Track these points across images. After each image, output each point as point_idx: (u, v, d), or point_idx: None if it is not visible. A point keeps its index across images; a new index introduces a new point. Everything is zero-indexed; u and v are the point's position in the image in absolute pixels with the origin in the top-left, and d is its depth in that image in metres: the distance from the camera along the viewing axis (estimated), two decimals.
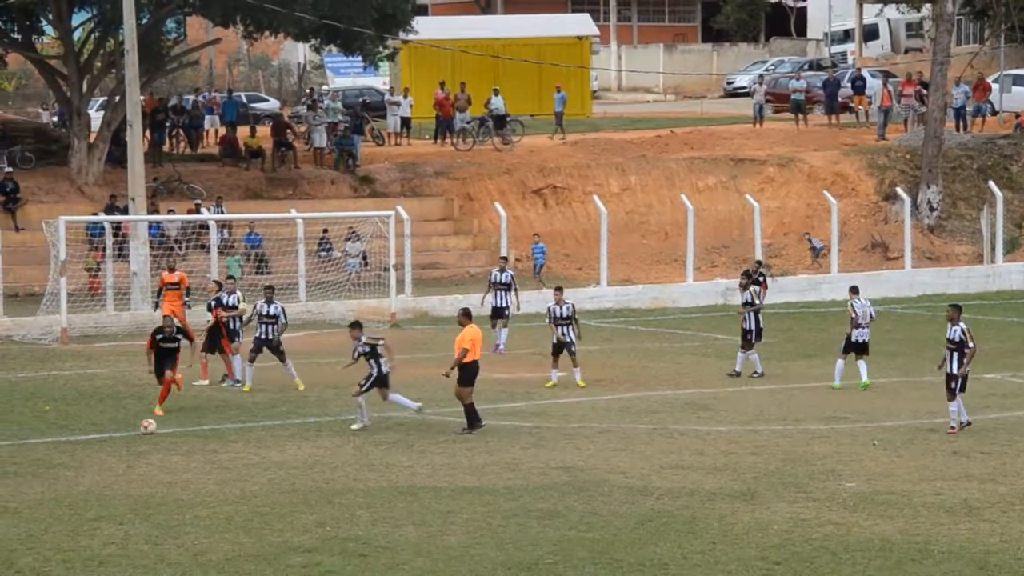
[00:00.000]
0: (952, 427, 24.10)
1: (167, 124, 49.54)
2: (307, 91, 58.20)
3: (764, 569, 16.75)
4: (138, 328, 35.66)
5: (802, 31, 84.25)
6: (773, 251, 44.81)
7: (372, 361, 24.48)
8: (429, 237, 45.42)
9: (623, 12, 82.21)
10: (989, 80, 55.32)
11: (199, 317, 31.37)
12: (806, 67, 66.95)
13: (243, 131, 50.40)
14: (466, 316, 24.39)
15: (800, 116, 54.84)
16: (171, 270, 34.95)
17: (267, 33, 49.21)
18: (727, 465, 21.91)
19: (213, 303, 29.62)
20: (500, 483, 20.75)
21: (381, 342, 24.72)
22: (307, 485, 20.62)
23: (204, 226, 40.63)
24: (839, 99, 55.89)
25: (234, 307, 29.19)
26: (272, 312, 28.61)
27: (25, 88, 60.99)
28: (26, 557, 17.12)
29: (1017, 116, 54.31)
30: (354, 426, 24.39)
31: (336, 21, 44.82)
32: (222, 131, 50.84)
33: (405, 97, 54.41)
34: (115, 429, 24.41)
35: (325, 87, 62.37)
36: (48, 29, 49.49)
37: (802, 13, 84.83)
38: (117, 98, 44.89)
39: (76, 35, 47.13)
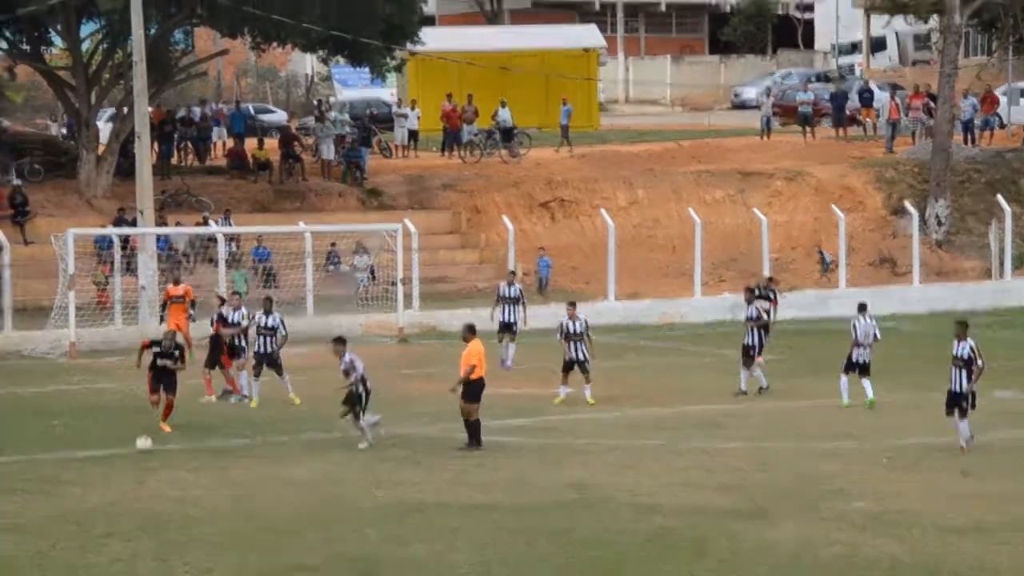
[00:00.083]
0: (962, 445, 24.04)
1: (175, 136, 49.59)
2: (315, 103, 58.26)
3: None
4: None
5: (809, 43, 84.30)
6: (781, 265, 44.75)
7: (361, 382, 24.29)
8: (437, 250, 45.40)
9: (630, 24, 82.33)
10: (997, 93, 55.28)
11: (204, 331, 31.29)
12: (813, 79, 66.94)
13: (251, 143, 50.44)
14: (470, 332, 24.33)
15: (808, 129, 54.81)
16: (176, 283, 34.98)
17: (275, 44, 49.28)
18: (736, 483, 21.86)
19: (215, 317, 29.59)
20: (508, 500, 20.72)
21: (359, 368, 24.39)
22: (315, 502, 20.59)
23: (212, 239, 40.66)
24: (847, 112, 55.84)
25: (237, 324, 29.07)
26: (271, 324, 28.49)
27: (34, 100, 61.04)
28: (34, 574, 17.11)
29: None
30: (361, 445, 24.29)
31: (343, 33, 44.89)
32: (230, 143, 50.88)
33: (412, 109, 54.45)
34: (124, 445, 24.35)
35: (333, 99, 62.42)
36: (57, 40, 49.54)
37: (809, 25, 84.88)
38: (125, 110, 44.96)
39: (84, 46, 47.18)
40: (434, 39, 53.18)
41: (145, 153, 40.37)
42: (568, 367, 28.81)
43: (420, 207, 47.66)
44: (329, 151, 49.78)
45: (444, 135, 53.48)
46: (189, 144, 50.34)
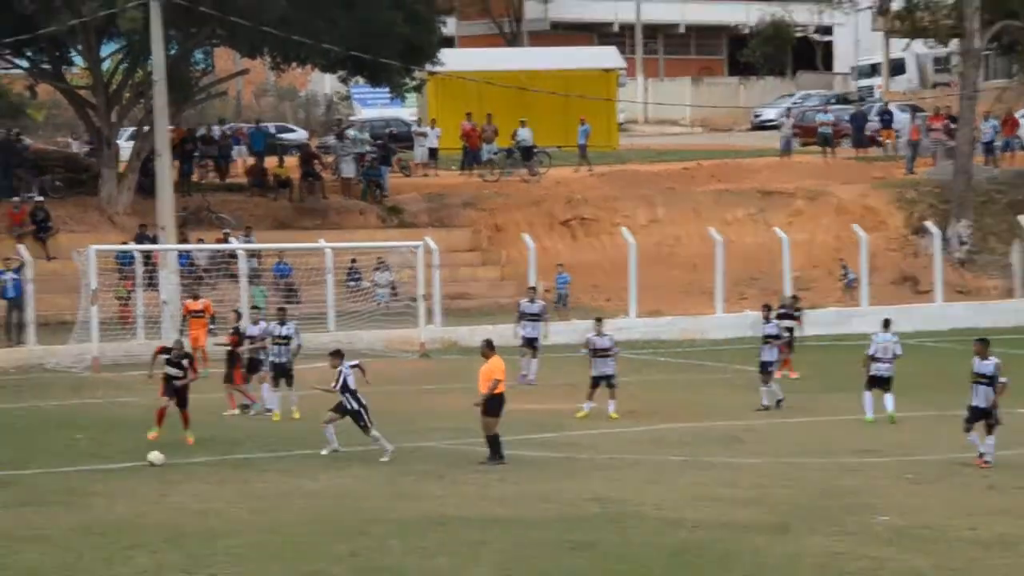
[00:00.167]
0: (987, 460, 23.96)
1: (196, 154, 49.73)
2: (335, 122, 58.41)
3: None
4: None
5: (829, 65, 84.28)
6: (802, 284, 44.71)
7: (347, 395, 24.28)
8: (457, 267, 45.49)
9: (649, 45, 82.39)
10: (1017, 115, 55.24)
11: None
12: (833, 101, 66.91)
13: (271, 161, 50.58)
14: (490, 348, 24.34)
15: (828, 149, 54.81)
16: (195, 298, 35.17)
17: (294, 64, 49.42)
18: (760, 498, 21.81)
19: (231, 331, 29.70)
20: (531, 514, 20.68)
21: (334, 387, 24.34)
22: (339, 514, 20.58)
23: (233, 255, 40.75)
24: (867, 133, 55.85)
25: (262, 338, 29.14)
26: (285, 333, 28.59)
27: (55, 118, 61.28)
28: None
29: None
30: (383, 459, 24.27)
31: (363, 53, 45.01)
32: (250, 161, 51.02)
33: (432, 128, 54.57)
34: (147, 458, 24.36)
35: (352, 118, 62.58)
36: (77, 60, 49.76)
37: (828, 47, 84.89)
38: (146, 128, 45.11)
39: (105, 66, 47.37)
40: (454, 60, 53.36)
41: (165, 171, 40.54)
42: (596, 383, 28.79)
43: (440, 225, 47.75)
44: (349, 169, 49.91)
45: (464, 154, 53.60)
46: (210, 162, 50.47)
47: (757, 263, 46.59)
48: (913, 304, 45.15)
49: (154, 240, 40.92)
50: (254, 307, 32.22)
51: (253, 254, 41.76)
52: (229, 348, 29.52)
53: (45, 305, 38.06)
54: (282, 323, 28.81)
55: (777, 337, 30.50)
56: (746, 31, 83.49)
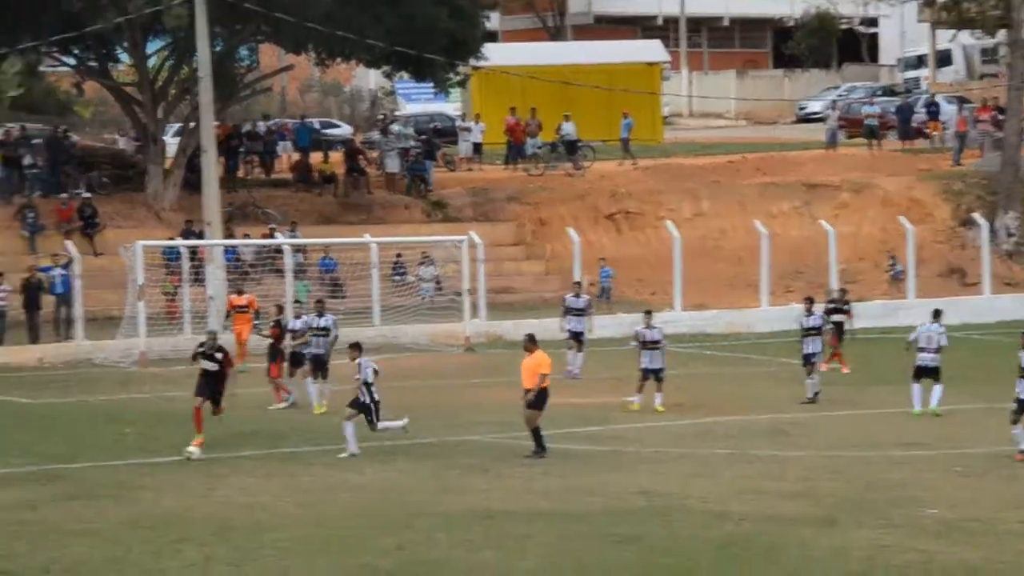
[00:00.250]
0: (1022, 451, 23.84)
1: (241, 150, 49.93)
2: (379, 117, 58.52)
3: None
4: None
5: (874, 57, 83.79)
6: (848, 277, 44.51)
7: (364, 388, 24.24)
8: (502, 262, 45.50)
9: (693, 39, 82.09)
10: None
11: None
12: (879, 93, 66.54)
13: (316, 157, 50.73)
14: (532, 342, 24.37)
15: (874, 142, 54.53)
16: (239, 293, 35.37)
17: (339, 60, 49.54)
18: (806, 491, 21.75)
19: (272, 324, 29.82)
20: (576, 507, 20.68)
21: (357, 377, 24.29)
22: (385, 508, 20.63)
23: (279, 251, 40.92)
24: (913, 125, 55.53)
25: (303, 333, 29.21)
26: (323, 324, 28.71)
27: (102, 115, 61.63)
28: None
29: None
30: (341, 455, 24.02)
31: (407, 48, 45.07)
32: (295, 157, 51.19)
33: (476, 123, 54.60)
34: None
35: (396, 113, 62.69)
36: (124, 57, 50.02)
37: (874, 39, 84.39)
38: (192, 124, 45.32)
39: (151, 62, 47.61)
40: (497, 54, 53.36)
41: (211, 167, 40.73)
42: (646, 375, 28.78)
43: (485, 219, 47.77)
44: (394, 164, 50.00)
45: (508, 148, 53.61)
46: (255, 158, 50.66)
47: (802, 256, 46.42)
48: (960, 296, 44.86)
49: (200, 236, 41.12)
50: (296, 301, 32.38)
51: (298, 249, 41.92)
52: (271, 341, 29.67)
53: (93, 301, 38.31)
54: (320, 315, 29.01)
55: (819, 330, 30.43)
56: (791, 23, 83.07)
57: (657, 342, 28.89)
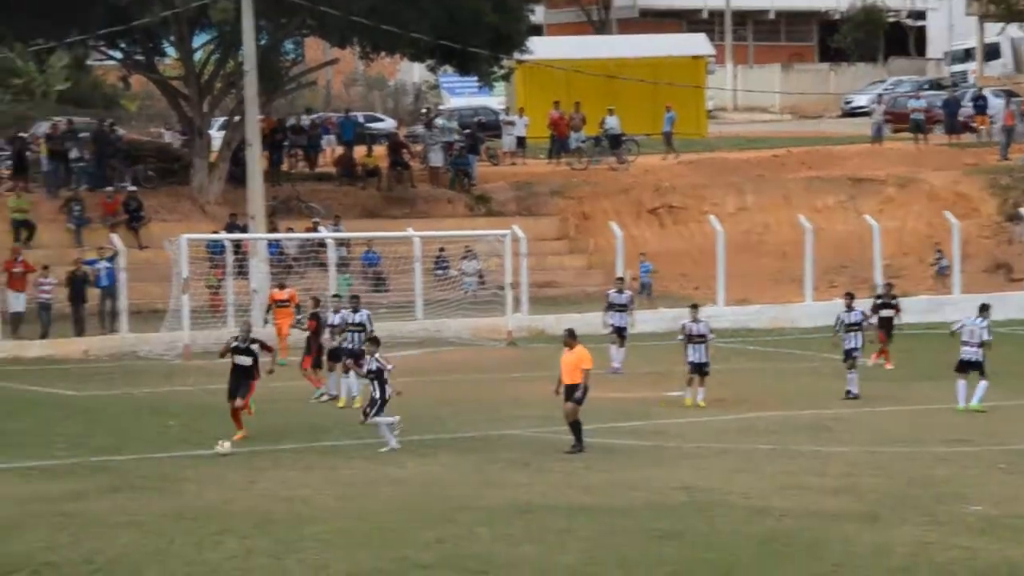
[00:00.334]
0: None
1: (286, 144, 50.09)
2: (423, 111, 58.59)
3: None
4: None
5: (921, 51, 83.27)
6: (893, 272, 44.26)
7: (376, 383, 24.20)
8: (545, 256, 45.48)
9: (738, 32, 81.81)
10: None
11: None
12: (926, 86, 66.12)
13: (360, 151, 50.84)
14: (572, 337, 24.35)
15: (920, 136, 54.20)
16: (281, 287, 35.50)
17: (383, 54, 49.62)
18: (848, 487, 21.64)
19: (310, 316, 29.89)
20: (617, 502, 20.65)
21: (390, 367, 24.30)
22: (426, 502, 20.65)
23: (322, 244, 41.03)
24: (960, 119, 55.15)
25: (342, 328, 29.18)
26: (358, 320, 28.78)
27: (148, 109, 61.98)
28: (152, 569, 17.32)
29: None
30: (382, 449, 24.03)
31: (452, 42, 45.11)
32: (339, 151, 51.32)
33: (520, 117, 54.58)
34: (237, 444, 24.59)
35: (440, 107, 62.75)
36: (170, 51, 50.30)
37: (922, 32, 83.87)
38: (237, 118, 45.51)
39: (197, 56, 47.84)
40: (542, 48, 53.31)
41: (256, 160, 40.86)
42: (695, 368, 28.71)
43: (528, 213, 47.77)
44: (437, 158, 50.06)
45: (551, 142, 53.57)
46: (300, 151, 50.82)
47: (847, 251, 46.22)
48: (1006, 292, 44.51)
49: (244, 229, 41.29)
50: (335, 295, 32.42)
51: (342, 243, 42.04)
52: (308, 333, 29.74)
53: (137, 293, 38.52)
54: (355, 311, 29.07)
55: (859, 325, 30.28)
56: (837, 16, 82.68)
57: (703, 336, 28.84)
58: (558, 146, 53.26)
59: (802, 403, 29.22)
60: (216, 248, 40.53)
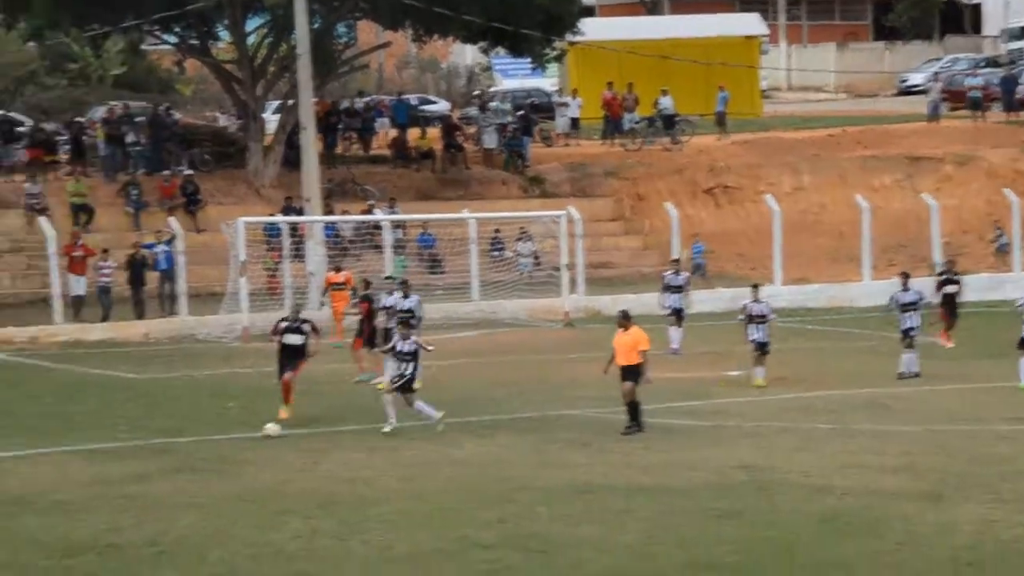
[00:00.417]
0: None
1: (339, 127, 50.20)
2: (477, 92, 58.55)
3: (954, 571, 16.41)
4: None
5: (977, 28, 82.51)
6: (952, 250, 43.91)
7: (411, 364, 24.17)
8: (600, 237, 45.43)
9: (792, 11, 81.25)
10: None
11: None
12: (983, 64, 65.53)
13: (414, 133, 50.89)
14: (626, 318, 24.37)
15: (978, 113, 53.75)
16: (337, 270, 35.60)
17: (436, 36, 49.61)
18: (909, 465, 21.53)
19: (361, 298, 29.90)
20: (677, 482, 20.63)
21: (430, 348, 24.43)
22: (486, 482, 20.70)
23: (378, 227, 41.10)
24: (1017, 96, 54.68)
25: (396, 310, 29.14)
26: (408, 306, 28.75)
27: (202, 92, 62.27)
28: (215, 551, 17.44)
29: None
30: (385, 429, 24.04)
31: (504, 24, 45.05)
32: (393, 133, 51.38)
33: (574, 98, 54.48)
34: (296, 426, 24.70)
35: (493, 88, 62.69)
36: (223, 35, 50.46)
37: (977, 10, 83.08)
38: (291, 102, 45.64)
39: (250, 40, 47.97)
40: (594, 29, 53.17)
41: (310, 143, 40.96)
42: (759, 347, 28.61)
43: (583, 195, 47.70)
44: (491, 140, 50.04)
45: (605, 123, 53.45)
46: (354, 134, 50.93)
47: (905, 230, 45.91)
48: None
49: (300, 212, 41.42)
50: (387, 277, 32.41)
51: (398, 225, 42.11)
52: (361, 317, 29.71)
53: (195, 277, 38.73)
54: (405, 296, 29.04)
55: (915, 304, 30.07)
56: None
57: (764, 316, 28.77)
58: (612, 127, 53.14)
59: (861, 382, 29.06)
60: (273, 231, 40.69)
